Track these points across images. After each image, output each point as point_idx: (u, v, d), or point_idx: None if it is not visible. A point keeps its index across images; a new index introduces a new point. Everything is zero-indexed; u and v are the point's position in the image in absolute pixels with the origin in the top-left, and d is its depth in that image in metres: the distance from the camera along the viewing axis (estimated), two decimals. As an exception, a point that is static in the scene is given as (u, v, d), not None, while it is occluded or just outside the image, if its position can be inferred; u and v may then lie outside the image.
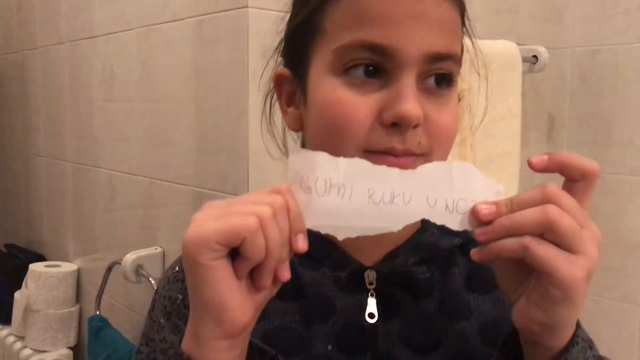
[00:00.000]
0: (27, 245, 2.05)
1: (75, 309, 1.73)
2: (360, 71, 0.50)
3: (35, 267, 1.72)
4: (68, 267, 1.73)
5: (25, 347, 1.72)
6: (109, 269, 1.44)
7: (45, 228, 1.97)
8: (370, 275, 0.57)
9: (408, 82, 0.49)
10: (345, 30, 0.50)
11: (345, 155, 0.45)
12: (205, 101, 1.19)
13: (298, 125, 0.58)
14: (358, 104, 0.50)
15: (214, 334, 0.42)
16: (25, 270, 1.75)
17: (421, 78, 0.51)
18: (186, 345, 0.44)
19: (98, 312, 1.48)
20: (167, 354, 0.52)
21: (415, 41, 0.49)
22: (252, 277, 0.43)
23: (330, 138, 0.51)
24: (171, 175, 1.31)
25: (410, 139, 0.50)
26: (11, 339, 1.78)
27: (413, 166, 0.47)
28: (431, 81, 0.52)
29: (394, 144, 0.49)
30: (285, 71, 0.58)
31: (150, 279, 1.30)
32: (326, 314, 0.56)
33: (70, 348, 1.71)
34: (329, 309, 0.56)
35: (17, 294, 1.76)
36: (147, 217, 1.41)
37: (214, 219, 0.41)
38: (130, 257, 1.31)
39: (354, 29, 0.50)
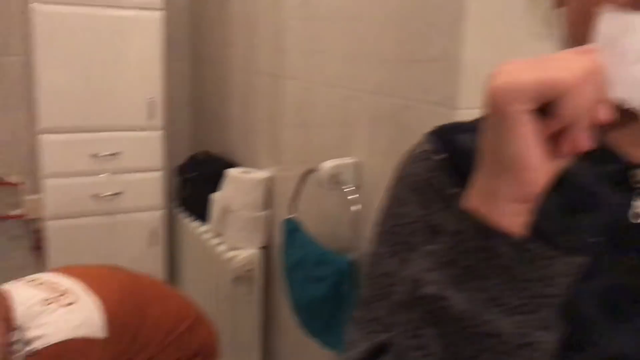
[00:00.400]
0: (221, 154, 2.21)
1: (266, 212, 1.85)
2: None
3: (232, 172, 1.87)
4: (261, 173, 1.85)
5: (220, 243, 1.90)
6: (305, 175, 1.51)
7: (239, 138, 2.11)
8: (638, 174, 0.52)
9: None
10: None
11: None
12: (412, 9, 1.16)
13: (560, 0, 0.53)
14: None
15: (511, 194, 0.40)
16: (221, 175, 1.90)
17: None
18: (472, 204, 0.42)
19: (292, 217, 1.56)
20: (415, 225, 0.53)
21: None
22: (554, 141, 0.40)
23: (583, 24, 0.46)
24: (370, 86, 1.31)
25: None
26: (209, 235, 1.97)
27: None
28: None
29: None
30: None
31: (344, 187, 1.34)
32: (588, 206, 0.53)
33: (260, 248, 1.85)
34: (592, 202, 0.52)
35: (215, 196, 1.93)
36: (342, 128, 1.44)
37: (528, 69, 0.38)
38: (327, 165, 1.36)
39: None
